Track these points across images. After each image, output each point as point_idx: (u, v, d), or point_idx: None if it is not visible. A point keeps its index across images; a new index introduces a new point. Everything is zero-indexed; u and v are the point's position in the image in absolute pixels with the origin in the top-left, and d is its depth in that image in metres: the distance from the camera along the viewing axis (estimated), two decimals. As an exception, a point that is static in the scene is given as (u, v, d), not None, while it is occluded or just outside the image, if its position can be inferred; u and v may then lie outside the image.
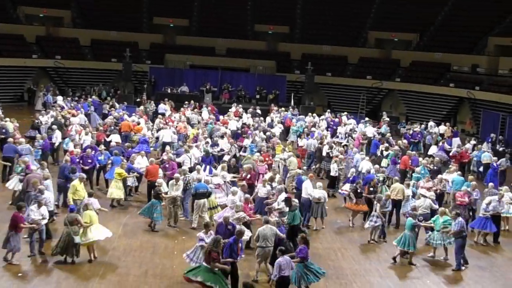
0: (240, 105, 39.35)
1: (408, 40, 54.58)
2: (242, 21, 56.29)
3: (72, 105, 36.03)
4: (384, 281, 16.21)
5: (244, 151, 26.86)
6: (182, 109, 36.52)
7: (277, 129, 32.69)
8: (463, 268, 17.25)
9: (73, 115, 31.60)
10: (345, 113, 38.59)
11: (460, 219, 17.18)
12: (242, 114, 36.25)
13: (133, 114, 32.71)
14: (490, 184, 22.12)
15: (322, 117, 37.19)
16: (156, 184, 19.66)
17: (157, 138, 28.56)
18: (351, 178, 22.57)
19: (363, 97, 48.15)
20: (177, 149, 25.49)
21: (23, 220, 15.70)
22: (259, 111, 38.04)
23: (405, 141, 30.46)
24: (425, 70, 50.03)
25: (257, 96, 45.80)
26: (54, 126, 27.30)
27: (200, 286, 14.02)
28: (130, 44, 48.58)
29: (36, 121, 29.56)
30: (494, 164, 26.77)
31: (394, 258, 17.50)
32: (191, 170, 21.52)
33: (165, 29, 55.19)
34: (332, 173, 24.34)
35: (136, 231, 18.84)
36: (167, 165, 22.07)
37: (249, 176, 21.37)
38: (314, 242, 18.77)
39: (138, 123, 30.32)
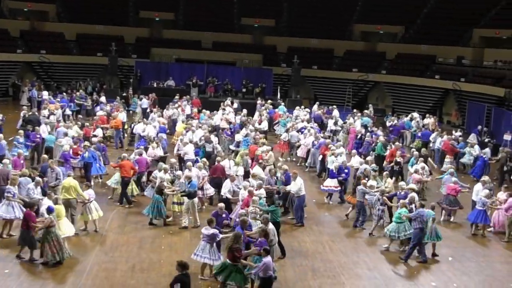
0: (230, 98, 39.39)
1: (394, 33, 54.72)
2: (228, 15, 56.19)
3: (46, 99, 35.77)
4: (372, 273, 16.26)
5: (237, 146, 26.90)
6: (178, 103, 36.43)
7: (265, 123, 32.76)
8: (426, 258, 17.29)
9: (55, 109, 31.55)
10: (334, 106, 38.63)
11: (421, 209, 17.24)
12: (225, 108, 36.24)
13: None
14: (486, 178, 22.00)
15: (307, 109, 37.41)
16: (158, 179, 19.76)
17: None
18: (336, 173, 22.63)
19: (349, 89, 48.28)
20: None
21: (34, 219, 15.65)
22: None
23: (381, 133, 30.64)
24: (410, 62, 50.26)
25: (244, 90, 45.74)
26: (47, 120, 27.27)
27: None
28: (116, 38, 48.39)
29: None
30: (483, 156, 26.97)
31: (433, 254, 17.70)
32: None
33: (151, 23, 55.03)
34: (330, 166, 24.35)
35: (122, 226, 18.79)
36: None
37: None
38: (302, 235, 18.86)
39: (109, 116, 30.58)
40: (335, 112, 36.44)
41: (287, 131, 30.22)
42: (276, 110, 36.76)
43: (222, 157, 22.79)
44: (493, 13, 49.97)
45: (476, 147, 28.35)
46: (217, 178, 21.20)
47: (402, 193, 19.22)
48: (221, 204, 16.75)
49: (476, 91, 43.08)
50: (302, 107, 38.10)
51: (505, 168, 26.51)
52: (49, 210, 15.57)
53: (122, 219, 19.42)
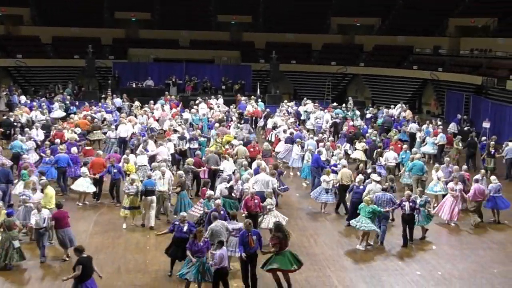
0: (212, 97, 39.36)
1: (370, 25, 54.95)
2: (204, 12, 56.05)
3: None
4: (357, 265, 16.36)
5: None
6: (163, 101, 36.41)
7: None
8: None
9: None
10: (309, 101, 38.80)
11: (379, 193, 17.76)
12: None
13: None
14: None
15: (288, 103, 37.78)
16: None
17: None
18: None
19: (328, 83, 48.40)
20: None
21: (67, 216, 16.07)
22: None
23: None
24: (388, 54, 50.48)
25: (223, 87, 45.76)
26: (37, 124, 27.53)
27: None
28: (92, 40, 47.96)
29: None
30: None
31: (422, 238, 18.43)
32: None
33: (127, 23, 54.68)
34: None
35: (107, 228, 18.71)
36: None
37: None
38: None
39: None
40: (308, 107, 36.65)
41: (274, 127, 30.33)
42: (257, 106, 36.86)
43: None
44: (467, 2, 50.34)
45: (440, 135, 28.51)
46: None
47: (361, 187, 19.26)
48: (218, 201, 16.51)
49: (454, 80, 43.42)
50: (287, 102, 38.42)
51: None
52: (9, 214, 15.53)
53: (105, 222, 19.33)
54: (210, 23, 55.44)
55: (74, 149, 23.00)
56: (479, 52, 44.93)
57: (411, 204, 17.55)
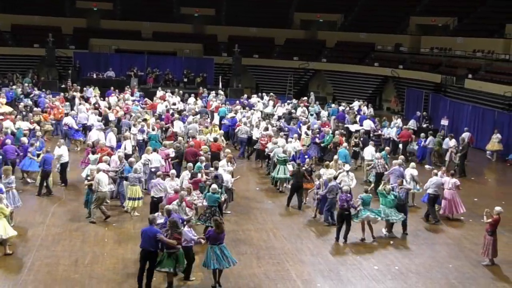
0: (168, 90, 39.03)
1: (333, 21, 55.23)
2: (167, 4, 55.64)
3: None
4: (316, 259, 16.45)
5: None
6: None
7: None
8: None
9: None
10: (272, 94, 38.95)
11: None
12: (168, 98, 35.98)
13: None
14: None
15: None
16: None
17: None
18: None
19: (290, 78, 48.53)
20: None
21: None
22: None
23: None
24: (350, 50, 50.81)
25: (185, 80, 45.58)
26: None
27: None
28: (53, 29, 47.28)
29: None
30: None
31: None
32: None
33: (89, 13, 54.02)
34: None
35: (64, 220, 18.46)
36: None
37: None
38: (246, 223, 18.95)
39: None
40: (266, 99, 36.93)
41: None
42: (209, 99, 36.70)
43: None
44: (428, 1, 50.96)
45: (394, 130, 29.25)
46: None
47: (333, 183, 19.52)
48: (168, 207, 16.11)
49: (414, 77, 43.99)
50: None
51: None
52: None
53: (63, 213, 19.06)
54: (173, 15, 55.08)
55: (23, 139, 22.96)
56: (439, 50, 45.58)
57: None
